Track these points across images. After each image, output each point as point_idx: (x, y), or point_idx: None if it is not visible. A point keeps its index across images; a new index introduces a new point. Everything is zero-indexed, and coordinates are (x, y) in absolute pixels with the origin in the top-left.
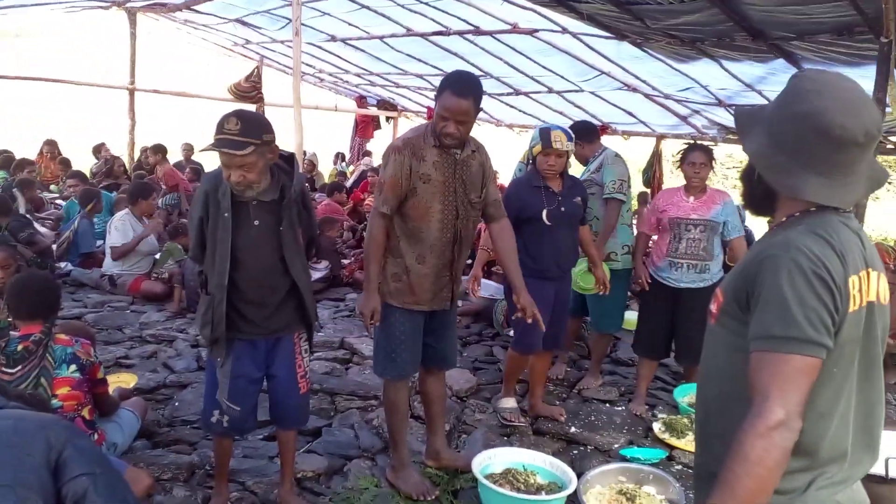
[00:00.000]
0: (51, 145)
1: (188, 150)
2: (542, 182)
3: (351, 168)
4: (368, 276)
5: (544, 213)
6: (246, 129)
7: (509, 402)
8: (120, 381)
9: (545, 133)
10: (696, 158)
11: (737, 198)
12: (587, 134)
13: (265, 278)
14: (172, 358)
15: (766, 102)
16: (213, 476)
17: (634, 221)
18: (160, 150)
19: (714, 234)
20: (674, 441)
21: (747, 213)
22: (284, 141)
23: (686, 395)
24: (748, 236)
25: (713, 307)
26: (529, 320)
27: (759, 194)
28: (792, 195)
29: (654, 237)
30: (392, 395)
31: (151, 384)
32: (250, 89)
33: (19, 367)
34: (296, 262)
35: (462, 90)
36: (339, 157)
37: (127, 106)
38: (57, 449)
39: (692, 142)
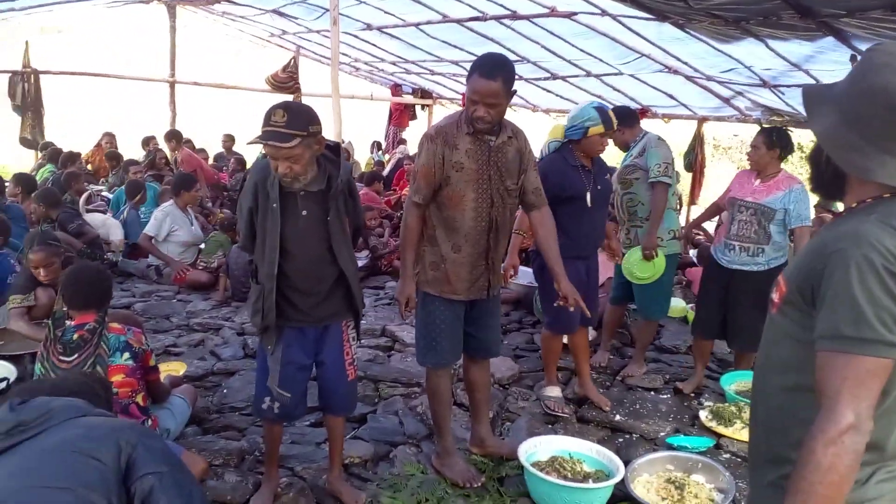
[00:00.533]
0: (110, 137)
1: (229, 140)
2: (579, 161)
3: (387, 157)
4: (404, 264)
5: (588, 194)
6: (292, 121)
7: (554, 391)
8: (170, 369)
9: (605, 114)
10: (754, 141)
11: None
12: (627, 119)
13: (313, 268)
14: (219, 346)
15: (827, 82)
16: (262, 462)
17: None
18: (174, 136)
19: (767, 220)
20: (721, 429)
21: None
22: (323, 131)
23: (733, 382)
24: None
25: (775, 296)
26: (572, 308)
27: (827, 177)
28: (864, 177)
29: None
30: (434, 382)
31: (200, 372)
32: (287, 80)
33: (76, 356)
34: (343, 251)
35: (490, 71)
36: (376, 145)
37: (168, 99)
38: (127, 451)
39: (745, 121)
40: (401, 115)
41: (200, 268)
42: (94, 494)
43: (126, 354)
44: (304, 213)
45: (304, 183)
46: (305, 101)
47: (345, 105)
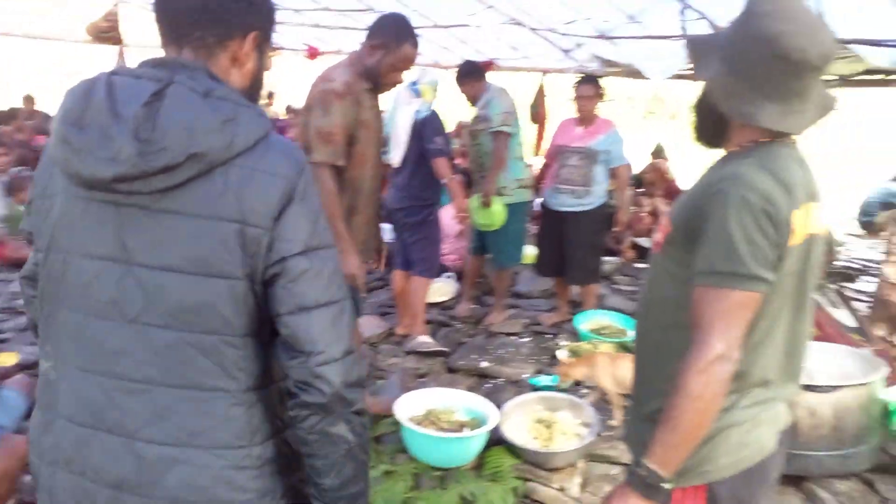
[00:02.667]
0: None
1: (29, 101)
2: None
3: None
4: (341, 235)
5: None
6: None
7: (424, 338)
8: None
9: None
10: (584, 92)
11: (623, 128)
12: (472, 74)
13: None
14: None
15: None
16: None
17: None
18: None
19: (593, 163)
20: None
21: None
22: None
23: (585, 321)
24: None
25: (658, 236)
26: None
27: (711, 125)
28: (747, 122)
29: None
30: None
31: (32, 358)
32: (108, 29)
33: None
34: None
35: (417, 42)
36: None
37: None
38: None
39: (581, 75)
40: None
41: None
42: None
43: None
44: None
45: None
46: (134, 53)
47: None
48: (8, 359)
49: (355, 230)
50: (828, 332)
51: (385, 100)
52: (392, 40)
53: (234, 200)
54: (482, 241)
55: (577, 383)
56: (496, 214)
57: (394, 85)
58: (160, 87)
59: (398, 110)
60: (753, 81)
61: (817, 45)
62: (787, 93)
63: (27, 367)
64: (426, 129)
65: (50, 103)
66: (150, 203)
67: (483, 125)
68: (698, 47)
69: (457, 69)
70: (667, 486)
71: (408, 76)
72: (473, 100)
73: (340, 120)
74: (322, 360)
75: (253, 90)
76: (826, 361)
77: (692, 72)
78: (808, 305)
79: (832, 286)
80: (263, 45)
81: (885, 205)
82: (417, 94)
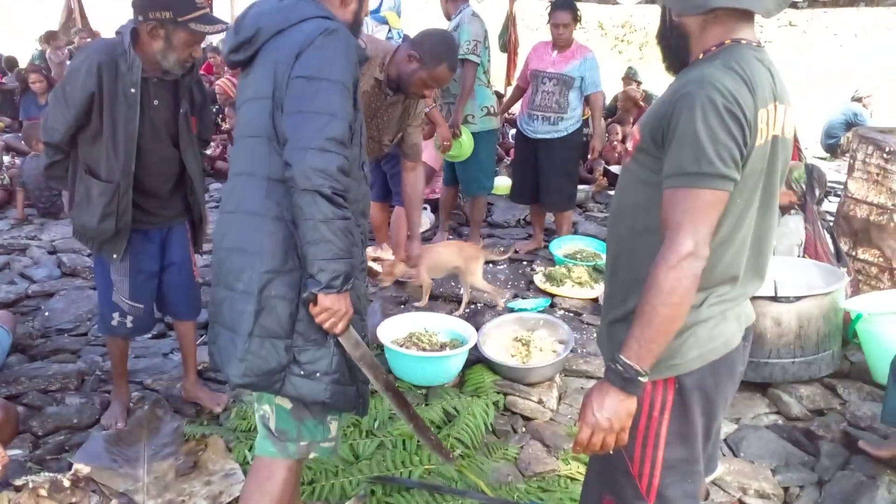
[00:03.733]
0: None
1: None
2: None
3: None
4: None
5: None
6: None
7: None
8: None
9: None
10: (560, 20)
11: (600, 55)
12: None
13: (161, 165)
14: (29, 267)
15: None
16: (105, 381)
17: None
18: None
19: (568, 89)
20: (554, 290)
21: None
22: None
23: (560, 247)
24: None
25: (629, 145)
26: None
27: (676, 47)
28: (702, 9)
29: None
30: None
31: (12, 297)
32: None
33: None
34: (189, 149)
35: (455, 66)
36: None
37: None
38: None
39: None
40: None
41: None
42: None
43: None
44: (156, 102)
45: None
46: None
47: None
48: None
49: None
50: (818, 253)
51: None
52: (431, 59)
53: (275, 51)
54: (453, 172)
55: (552, 305)
56: (464, 144)
57: (421, 97)
58: None
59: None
60: None
61: None
62: None
63: (7, 304)
64: None
65: (3, 43)
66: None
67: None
68: None
69: None
70: (643, 379)
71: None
72: (448, 16)
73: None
74: (299, 146)
75: (355, 25)
76: (791, 273)
77: None
78: (773, 206)
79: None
80: None
81: (849, 125)
82: (383, 20)
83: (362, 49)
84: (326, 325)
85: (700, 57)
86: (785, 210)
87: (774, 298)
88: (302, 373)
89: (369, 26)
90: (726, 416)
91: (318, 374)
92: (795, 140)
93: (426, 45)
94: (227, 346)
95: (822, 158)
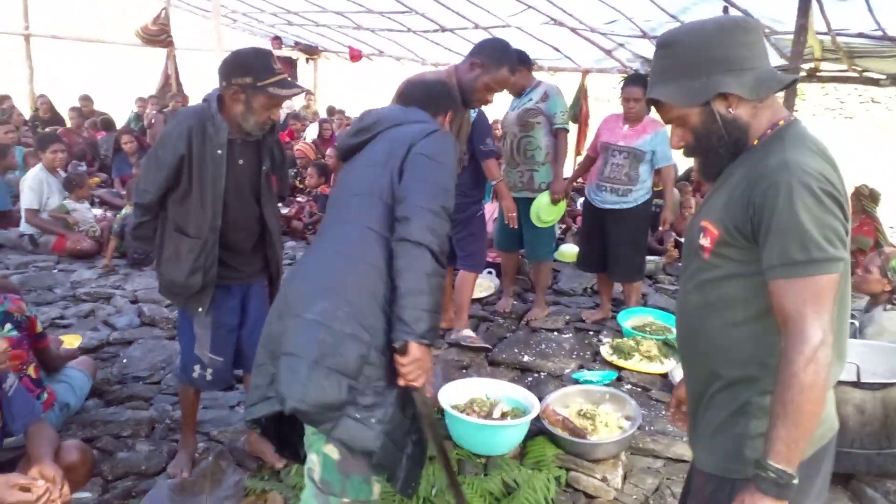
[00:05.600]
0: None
1: (87, 101)
2: None
3: None
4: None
5: None
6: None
7: (468, 332)
8: (63, 343)
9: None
10: (632, 94)
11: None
12: (526, 62)
13: (244, 221)
14: (113, 315)
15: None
16: (174, 430)
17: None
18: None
19: (638, 162)
20: (621, 363)
21: None
22: (208, 87)
23: (628, 318)
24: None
25: (705, 241)
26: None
27: (731, 139)
28: (775, 89)
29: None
30: None
31: (94, 343)
32: (159, 32)
33: None
34: (269, 205)
35: (516, 68)
36: None
37: (24, 53)
38: None
39: (624, 75)
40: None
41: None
42: None
43: (7, 326)
44: (241, 161)
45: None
46: (181, 55)
47: None
48: (73, 341)
49: None
50: None
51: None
52: (493, 62)
53: (391, 136)
54: (516, 239)
55: (619, 378)
56: (561, 210)
57: (484, 103)
58: None
59: None
60: (706, 70)
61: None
62: (738, 59)
63: (90, 350)
64: (476, 129)
65: (104, 103)
66: None
67: (538, 118)
68: (650, 90)
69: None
70: (796, 482)
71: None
72: (520, 91)
73: None
74: (421, 205)
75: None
76: (875, 359)
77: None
78: (849, 286)
79: None
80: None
81: None
82: None
83: (462, 154)
84: (410, 377)
85: (756, 143)
86: (878, 302)
87: (857, 384)
88: (358, 416)
89: None
90: None
91: (373, 421)
92: (879, 224)
93: (486, 51)
94: (287, 371)
95: None
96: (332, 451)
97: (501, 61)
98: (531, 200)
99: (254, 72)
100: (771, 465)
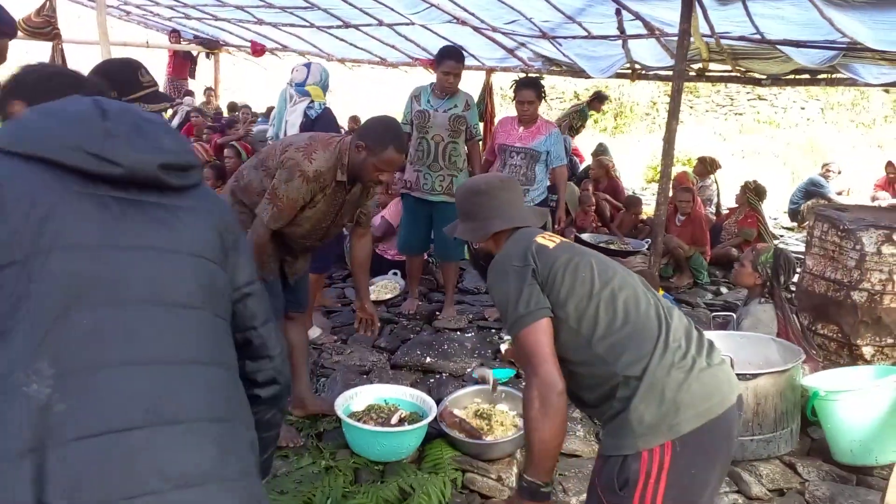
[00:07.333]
0: None
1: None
2: None
3: (170, 111)
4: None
5: None
6: None
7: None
8: None
9: None
10: (525, 97)
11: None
12: (454, 56)
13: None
14: None
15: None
16: None
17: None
18: None
19: (535, 162)
20: None
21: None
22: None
23: None
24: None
25: None
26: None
27: (482, 258)
28: (484, 234)
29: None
30: None
31: None
32: (43, 24)
33: None
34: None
35: (403, 146)
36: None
37: None
38: None
39: (522, 74)
40: (181, 65)
41: None
42: None
43: None
44: None
45: None
46: (68, 49)
47: (116, 54)
48: None
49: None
50: (790, 338)
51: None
52: (377, 144)
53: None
54: (419, 239)
55: (518, 375)
56: None
57: (377, 183)
58: None
59: (287, 110)
60: (475, 217)
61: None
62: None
63: None
64: (318, 125)
65: None
66: None
67: (463, 126)
68: (450, 230)
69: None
70: (545, 490)
71: (296, 76)
72: (453, 92)
73: (294, 195)
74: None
75: None
76: (748, 350)
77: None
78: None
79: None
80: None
81: (807, 193)
82: (306, 93)
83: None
84: None
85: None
86: (754, 295)
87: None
88: None
89: (292, 98)
90: None
91: None
92: (762, 217)
93: (370, 133)
94: None
95: (789, 228)
96: None
97: (385, 142)
98: (450, 205)
99: (117, 85)
100: (526, 478)
